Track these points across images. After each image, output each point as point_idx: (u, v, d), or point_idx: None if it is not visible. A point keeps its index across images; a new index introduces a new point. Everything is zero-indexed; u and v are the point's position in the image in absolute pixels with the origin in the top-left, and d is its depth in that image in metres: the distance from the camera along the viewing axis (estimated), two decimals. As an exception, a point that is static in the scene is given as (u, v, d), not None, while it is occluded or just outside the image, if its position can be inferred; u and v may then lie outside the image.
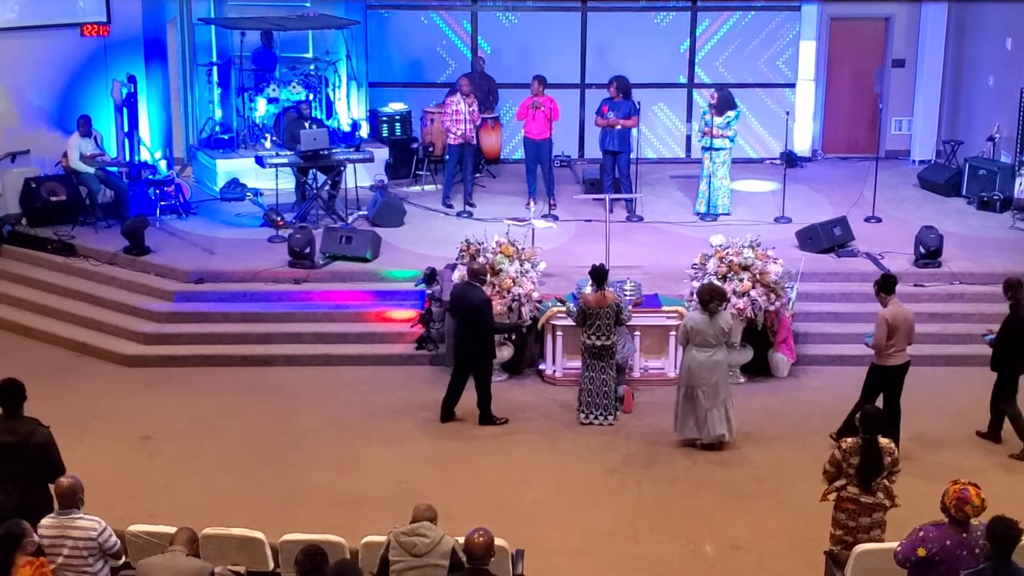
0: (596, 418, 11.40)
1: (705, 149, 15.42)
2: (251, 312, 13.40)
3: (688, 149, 18.28)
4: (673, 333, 12.19)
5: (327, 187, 15.47)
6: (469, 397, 11.46)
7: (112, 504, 8.37)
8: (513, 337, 12.33)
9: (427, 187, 16.94)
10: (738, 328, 11.95)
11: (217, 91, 17.29)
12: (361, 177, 15.93)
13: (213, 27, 17.20)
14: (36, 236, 14.90)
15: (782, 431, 11.35)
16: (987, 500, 6.82)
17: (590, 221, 15.11)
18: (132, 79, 15.79)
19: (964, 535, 6.76)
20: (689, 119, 17.98)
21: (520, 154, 16.83)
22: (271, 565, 7.69)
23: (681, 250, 13.69)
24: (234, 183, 16.18)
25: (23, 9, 15.17)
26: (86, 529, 7.13)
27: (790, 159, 17.43)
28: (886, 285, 10.52)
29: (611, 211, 14.01)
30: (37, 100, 15.58)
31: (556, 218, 15.25)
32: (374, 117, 17.64)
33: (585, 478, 10.44)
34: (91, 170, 15.11)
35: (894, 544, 7.10)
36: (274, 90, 16.85)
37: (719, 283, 11.61)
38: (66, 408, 11.15)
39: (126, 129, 15.84)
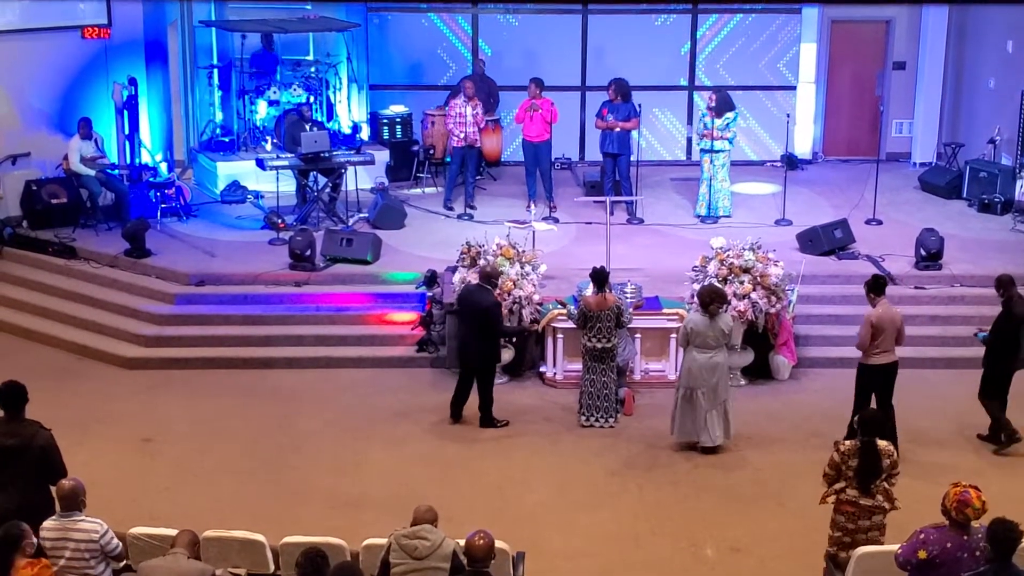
0: (597, 420, 11.40)
1: (704, 151, 15.42)
2: (252, 315, 13.41)
3: (689, 152, 18.29)
4: (674, 336, 12.19)
5: (328, 189, 15.48)
6: (471, 399, 11.47)
7: (113, 506, 8.37)
8: (514, 340, 12.33)
9: (428, 189, 16.95)
10: (739, 331, 11.95)
11: (218, 94, 17.30)
12: (362, 179, 15.95)
13: (214, 30, 17.22)
14: (37, 238, 14.91)
15: (783, 433, 11.35)
16: (988, 502, 6.81)
17: (591, 223, 15.12)
18: (133, 81, 15.80)
19: (965, 537, 6.76)
20: (690, 121, 17.98)
21: (522, 155, 16.84)
22: (272, 567, 7.68)
23: (682, 252, 13.69)
24: (235, 185, 16.19)
25: (24, 11, 15.17)
26: (88, 531, 7.14)
27: (791, 161, 17.44)
28: (875, 286, 10.63)
29: (611, 213, 14.03)
30: (38, 103, 15.58)
31: (557, 220, 15.26)
32: (375, 119, 17.65)
33: (586, 480, 10.44)
34: (92, 172, 15.12)
35: (895, 546, 7.09)
36: (275, 93, 16.85)
37: (720, 285, 11.61)
38: (67, 411, 11.14)
39: (127, 132, 15.85)
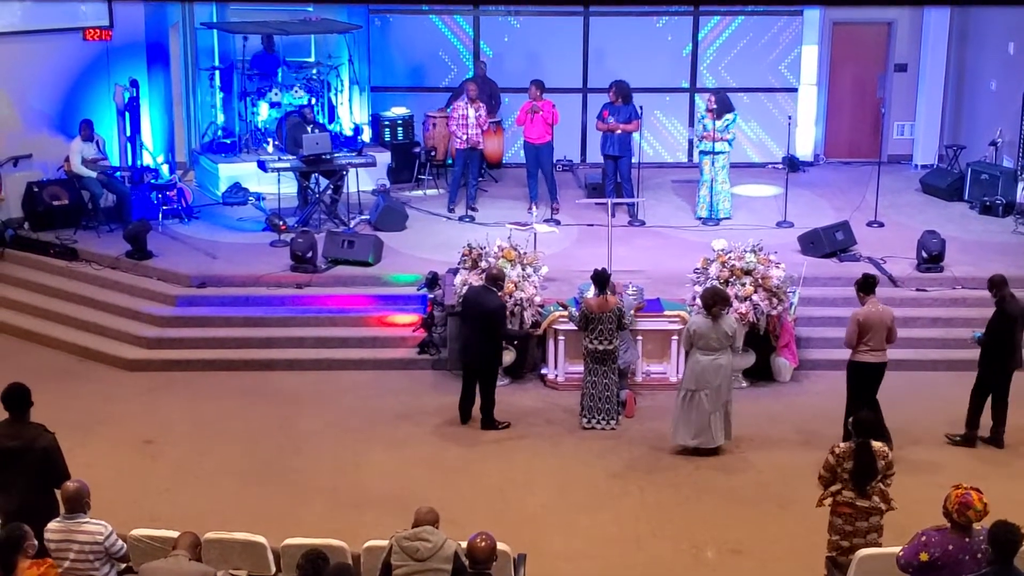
0: (598, 423, 11.39)
1: (704, 153, 15.41)
2: (253, 316, 13.41)
3: (690, 154, 18.29)
4: (675, 338, 12.19)
5: (329, 191, 15.48)
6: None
7: (114, 508, 8.35)
8: (515, 342, 12.33)
9: (429, 191, 16.95)
10: (740, 332, 11.94)
11: (219, 95, 17.31)
12: (363, 181, 15.95)
13: (215, 31, 17.23)
14: (38, 240, 14.91)
15: (784, 436, 11.35)
16: (989, 504, 6.81)
17: (592, 225, 15.12)
18: (134, 83, 15.80)
19: (966, 540, 6.76)
20: (692, 123, 17.98)
21: (523, 157, 16.83)
22: (273, 569, 7.68)
23: (683, 254, 13.69)
24: (236, 187, 16.19)
25: (25, 13, 15.16)
26: (92, 533, 7.15)
27: (792, 163, 17.44)
28: (864, 285, 10.77)
29: (613, 215, 14.03)
30: (39, 104, 15.58)
31: (558, 222, 15.26)
32: (376, 121, 17.65)
33: (587, 483, 10.44)
34: (93, 174, 15.13)
35: (896, 549, 7.09)
36: (276, 94, 16.85)
37: (722, 287, 11.60)
38: (68, 412, 11.12)
39: (128, 133, 15.85)
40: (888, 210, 15.87)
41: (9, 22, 15.07)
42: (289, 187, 15.46)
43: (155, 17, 16.59)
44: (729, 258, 12.22)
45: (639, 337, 12.24)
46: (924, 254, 13.84)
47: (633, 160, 15.69)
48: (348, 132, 17.37)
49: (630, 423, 11.57)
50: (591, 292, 11.32)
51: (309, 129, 15.66)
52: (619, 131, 15.47)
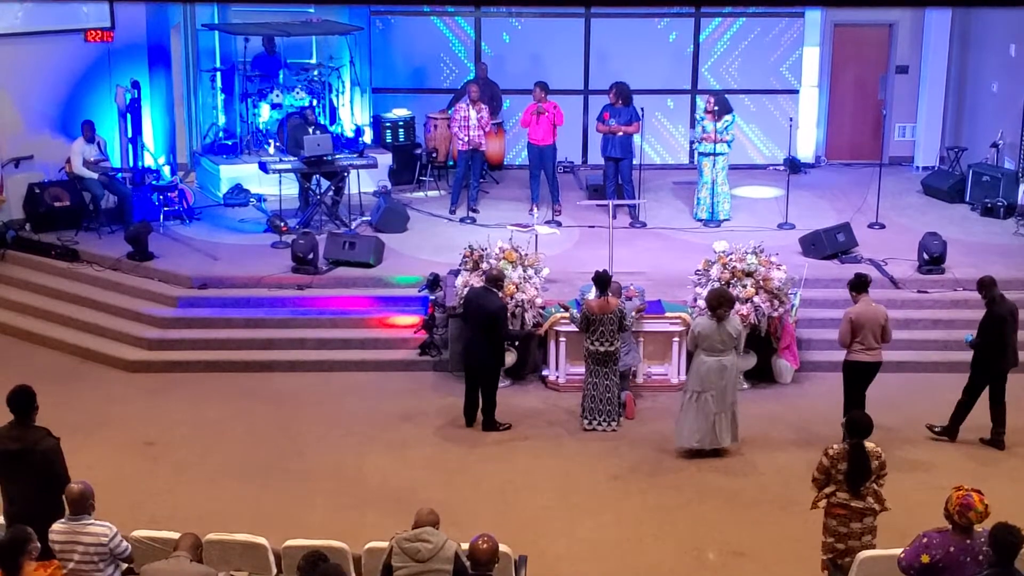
0: (599, 424, 11.39)
1: (703, 155, 15.41)
2: (254, 318, 13.41)
3: (691, 155, 18.28)
4: (676, 339, 12.19)
5: (331, 193, 15.49)
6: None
7: (116, 510, 8.36)
8: (516, 343, 12.33)
9: (431, 193, 16.95)
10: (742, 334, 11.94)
11: (221, 97, 17.30)
12: (364, 183, 15.96)
13: (217, 33, 17.22)
14: (40, 241, 14.91)
15: (786, 437, 11.35)
16: (990, 506, 6.82)
17: (593, 227, 15.12)
18: (136, 85, 15.81)
19: (968, 541, 6.76)
20: (692, 125, 17.98)
21: (524, 158, 16.83)
22: (274, 571, 7.69)
23: (684, 256, 13.69)
24: (238, 189, 16.20)
25: (27, 15, 15.17)
26: (97, 535, 7.16)
27: (793, 165, 17.42)
28: (856, 284, 10.90)
29: (614, 217, 14.03)
30: (41, 106, 15.58)
31: (559, 224, 15.26)
32: (378, 123, 17.65)
33: (589, 484, 10.44)
34: (94, 175, 15.13)
35: (897, 550, 7.09)
36: (278, 96, 16.85)
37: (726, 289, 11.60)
38: (69, 414, 11.13)
39: (130, 135, 15.84)
40: (889, 212, 15.86)
41: (11, 23, 15.07)
42: (290, 188, 15.46)
43: (156, 18, 16.59)
44: (730, 260, 12.21)
45: (640, 339, 12.23)
46: (925, 256, 13.84)
47: (634, 162, 15.69)
48: (349, 133, 17.37)
49: (632, 425, 11.57)
50: (592, 294, 11.32)
51: (310, 130, 15.66)
52: (619, 133, 15.47)
